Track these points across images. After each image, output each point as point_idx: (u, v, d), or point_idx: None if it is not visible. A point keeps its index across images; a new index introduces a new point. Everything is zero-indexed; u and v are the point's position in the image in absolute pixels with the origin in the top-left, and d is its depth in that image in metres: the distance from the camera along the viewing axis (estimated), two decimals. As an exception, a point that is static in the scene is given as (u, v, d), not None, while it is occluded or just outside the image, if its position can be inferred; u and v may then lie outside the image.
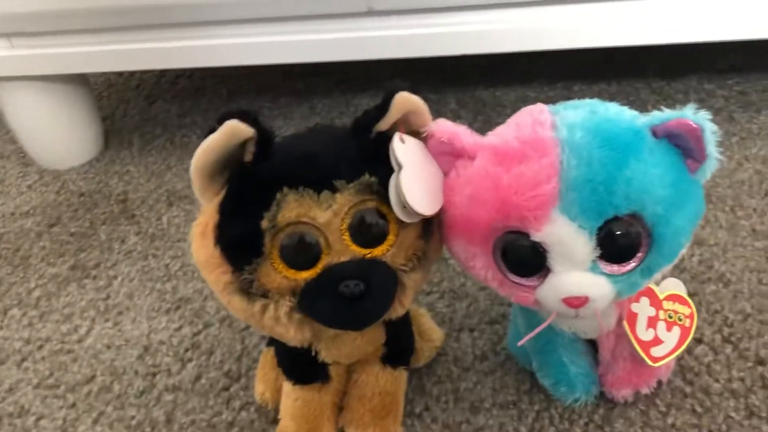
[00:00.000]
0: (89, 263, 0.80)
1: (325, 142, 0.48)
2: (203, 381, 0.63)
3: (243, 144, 0.44)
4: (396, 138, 0.47)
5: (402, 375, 0.56)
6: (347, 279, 0.44)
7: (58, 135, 0.97)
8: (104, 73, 1.26)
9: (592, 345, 0.56)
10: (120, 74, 1.25)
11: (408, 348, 0.56)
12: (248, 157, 0.45)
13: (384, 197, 0.46)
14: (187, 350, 0.66)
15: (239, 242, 0.45)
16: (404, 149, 0.47)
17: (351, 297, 0.44)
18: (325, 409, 0.54)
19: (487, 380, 0.59)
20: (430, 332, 0.61)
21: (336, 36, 0.78)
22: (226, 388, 0.62)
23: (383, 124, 0.46)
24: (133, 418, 0.60)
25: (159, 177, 0.94)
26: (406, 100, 0.46)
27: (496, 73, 1.04)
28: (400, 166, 0.46)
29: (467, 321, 0.65)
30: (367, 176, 0.45)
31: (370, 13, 0.75)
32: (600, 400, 0.55)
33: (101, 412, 0.61)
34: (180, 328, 0.69)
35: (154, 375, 0.64)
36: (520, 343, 0.50)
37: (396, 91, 0.46)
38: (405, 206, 0.45)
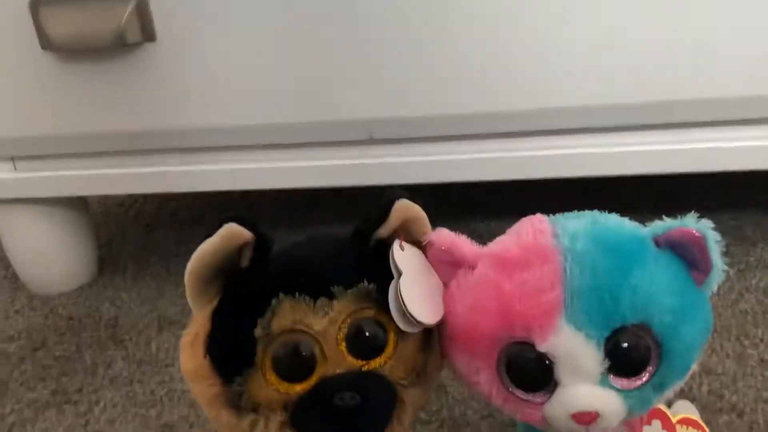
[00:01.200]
0: (71, 388, 0.76)
1: (323, 249, 0.47)
2: None
3: (240, 250, 0.44)
4: (396, 245, 0.46)
5: (399, 506, 0.52)
6: (342, 391, 0.42)
7: (53, 260, 0.96)
8: (103, 203, 1.27)
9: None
10: (120, 204, 1.27)
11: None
12: (245, 262, 0.44)
13: (383, 306, 0.44)
14: (168, 481, 0.62)
15: (230, 351, 0.43)
16: (404, 257, 0.46)
17: (346, 410, 0.42)
18: None
19: None
20: (430, 461, 0.57)
21: (336, 162, 0.79)
22: None
23: (383, 231, 0.46)
24: None
25: (151, 302, 0.92)
26: (405, 208, 0.46)
27: (490, 205, 1.06)
28: (399, 273, 0.45)
29: (469, 452, 0.61)
30: (365, 283, 0.44)
31: (371, 141, 0.77)
32: None
33: None
34: (162, 457, 0.65)
35: (129, 508, 0.59)
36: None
37: (395, 198, 0.46)
38: (405, 315, 0.44)
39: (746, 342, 0.70)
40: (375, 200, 0.48)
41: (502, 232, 0.48)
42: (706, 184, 0.95)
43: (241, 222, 0.43)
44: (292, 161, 0.81)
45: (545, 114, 0.75)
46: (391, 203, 0.45)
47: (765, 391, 0.64)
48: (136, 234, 1.15)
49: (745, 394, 0.63)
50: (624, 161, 0.78)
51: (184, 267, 0.42)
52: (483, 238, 0.99)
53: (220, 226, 0.43)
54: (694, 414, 0.50)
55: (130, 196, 1.30)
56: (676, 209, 0.46)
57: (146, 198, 1.29)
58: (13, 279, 1.03)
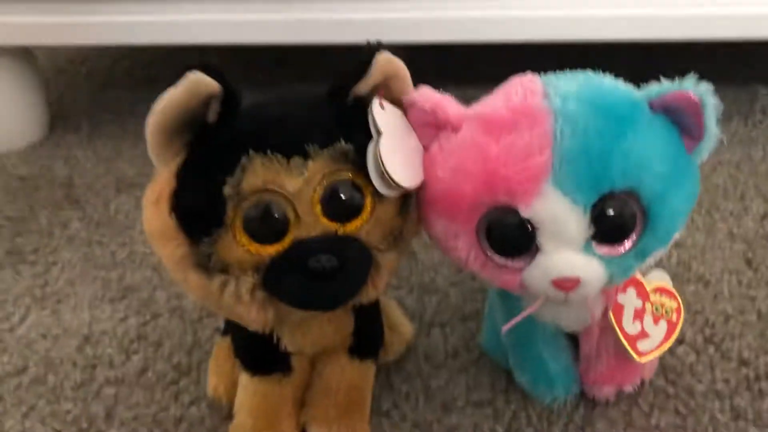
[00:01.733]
0: (26, 248, 0.73)
1: (297, 107, 0.44)
2: (149, 374, 0.57)
3: (206, 103, 0.40)
4: (375, 103, 0.43)
5: (370, 369, 0.51)
6: (318, 253, 0.40)
7: (-1, 115, 0.91)
8: (53, 58, 1.19)
9: (573, 341, 0.52)
10: (70, 61, 1.19)
11: (377, 339, 0.52)
12: (212, 116, 0.41)
13: (360, 168, 0.42)
14: (132, 342, 0.60)
15: (198, 210, 0.41)
16: (384, 116, 0.43)
17: (322, 273, 0.40)
18: (285, 403, 0.49)
19: (460, 378, 0.55)
20: (400, 325, 0.56)
21: (305, 16, 0.74)
22: (174, 382, 0.56)
23: (362, 88, 0.43)
24: (68, 412, 0.54)
25: (108, 163, 0.88)
26: (387, 63, 0.43)
27: (466, 71, 1.02)
28: (379, 133, 0.42)
29: (438, 317, 0.61)
30: (342, 143, 0.41)
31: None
32: (580, 400, 0.52)
33: (32, 405, 0.55)
34: (125, 318, 0.63)
35: (94, 367, 0.58)
36: (506, 327, 0.46)
37: (377, 51, 0.42)
38: (384, 177, 0.42)
39: (716, 215, 0.71)
40: (347, 59, 0.44)
41: (478, 99, 0.45)
42: (683, 55, 0.92)
43: (207, 71, 0.39)
44: (257, 13, 0.75)
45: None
46: (372, 56, 0.42)
47: (731, 262, 0.64)
48: (89, 92, 1.08)
49: (713, 266, 0.64)
50: (607, 26, 0.75)
51: (141, 127, 0.38)
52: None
53: (183, 74, 0.39)
54: (667, 283, 0.50)
55: (81, 52, 1.21)
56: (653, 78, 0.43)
57: (98, 55, 1.20)
58: (-43, 135, 0.97)
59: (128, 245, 0.73)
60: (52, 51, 1.21)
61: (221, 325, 0.61)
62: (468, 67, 1.03)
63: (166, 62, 1.15)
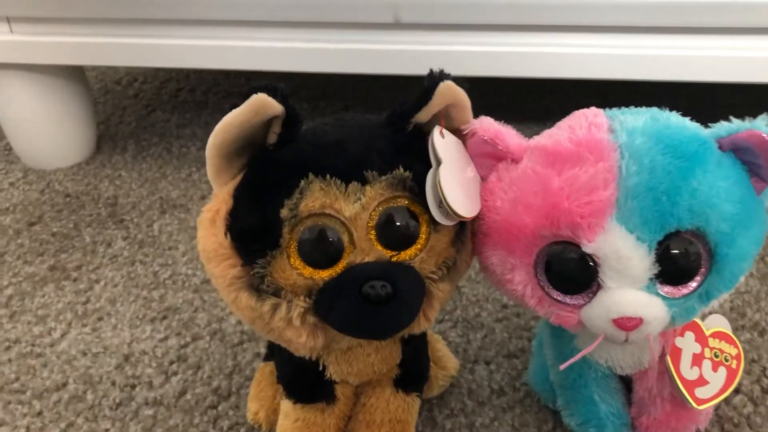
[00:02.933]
0: (70, 265, 0.74)
1: (356, 131, 0.43)
2: (188, 397, 0.56)
3: (267, 124, 0.40)
4: (436, 131, 0.43)
5: (415, 402, 0.50)
6: (373, 279, 0.39)
7: (49, 132, 0.92)
8: (102, 80, 1.21)
9: (625, 383, 0.51)
10: (118, 82, 1.21)
11: (423, 372, 0.51)
12: (272, 138, 0.41)
13: (417, 196, 0.41)
14: (172, 363, 0.60)
15: (254, 231, 0.40)
16: (444, 145, 0.43)
17: (376, 300, 0.39)
18: (327, 431, 0.48)
19: (506, 416, 0.53)
20: (445, 360, 0.55)
21: (356, 47, 0.74)
22: (213, 406, 0.55)
23: (423, 115, 0.42)
24: (106, 431, 0.54)
25: (153, 184, 0.89)
26: (450, 90, 0.42)
27: (507, 111, 1.02)
28: (439, 162, 0.41)
29: (483, 353, 0.59)
30: (400, 170, 0.40)
31: (397, 25, 0.71)
32: (631, 445, 0.50)
33: (71, 422, 0.55)
34: (165, 338, 0.63)
35: (133, 387, 0.58)
36: (563, 366, 0.45)
37: (440, 79, 0.42)
38: (442, 206, 0.41)
39: (770, 261, 0.69)
40: (392, 92, 0.44)
41: (525, 135, 0.45)
42: (750, 93, 0.91)
43: (271, 92, 0.39)
44: (309, 42, 0.76)
45: (582, 8, 0.70)
46: (436, 84, 0.41)
47: (787, 311, 0.63)
48: (136, 114, 1.10)
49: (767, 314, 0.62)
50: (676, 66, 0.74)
51: (186, 150, 0.38)
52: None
53: (248, 95, 0.39)
54: (727, 328, 0.48)
55: (129, 74, 1.24)
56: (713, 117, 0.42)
57: (146, 77, 1.23)
58: (7, 151, 0.99)
59: (170, 266, 0.73)
60: (101, 73, 1.24)
61: (262, 349, 0.60)
62: (521, 101, 1.03)
63: (212, 87, 1.17)
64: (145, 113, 1.10)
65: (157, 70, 1.23)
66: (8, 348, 0.62)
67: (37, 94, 0.88)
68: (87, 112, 0.96)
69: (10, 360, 0.61)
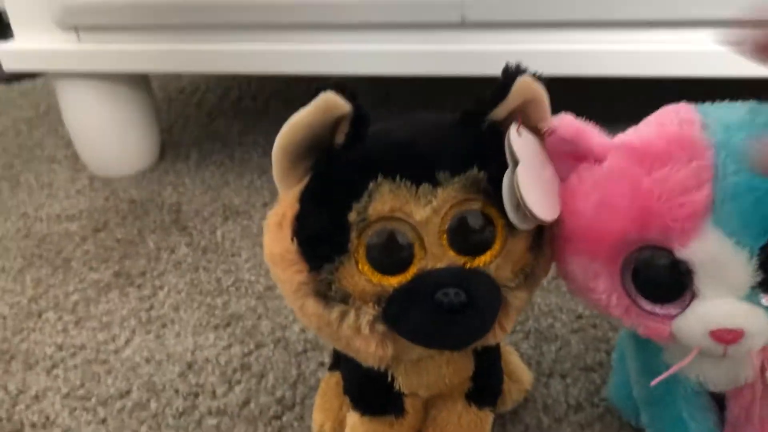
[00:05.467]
0: (134, 271, 0.74)
1: (428, 130, 0.41)
2: (252, 406, 0.55)
3: (335, 125, 0.38)
4: (513, 129, 0.40)
5: (487, 417, 0.48)
6: (447, 286, 0.37)
7: (114, 140, 0.93)
8: (165, 89, 1.23)
9: (717, 401, 0.47)
10: (181, 91, 1.22)
11: (497, 386, 0.48)
12: (340, 138, 0.39)
13: (491, 198, 0.38)
14: (235, 371, 0.59)
15: (321, 236, 0.38)
16: (521, 144, 0.40)
17: (450, 308, 0.37)
18: (396, 446, 0.46)
19: (584, 434, 0.50)
20: (519, 373, 0.52)
21: (422, 48, 0.72)
22: (277, 416, 0.54)
23: (499, 112, 0.40)
24: (169, 440, 0.53)
25: (216, 191, 0.88)
26: (528, 86, 0.39)
27: (578, 114, 0.98)
28: (516, 162, 0.39)
29: (558, 366, 0.56)
30: (475, 170, 0.38)
31: (464, 25, 0.69)
32: (724, 469, 0.47)
33: (134, 430, 0.54)
34: (229, 346, 0.62)
35: (196, 395, 0.57)
36: (654, 382, 0.42)
37: (518, 74, 0.39)
38: (519, 209, 0.38)
39: None
40: (454, 97, 0.41)
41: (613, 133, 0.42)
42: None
43: (338, 91, 0.37)
44: (372, 44, 0.74)
45: (661, 2, 0.67)
46: (513, 79, 0.39)
47: None
48: (198, 122, 1.10)
49: None
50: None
51: (248, 156, 0.37)
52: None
53: (315, 95, 0.37)
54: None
55: (192, 83, 1.25)
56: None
57: (208, 86, 1.24)
58: (74, 159, 1.01)
59: (234, 273, 0.72)
60: (165, 82, 1.26)
61: (326, 359, 0.59)
62: (593, 101, 1.00)
63: (274, 95, 1.17)
64: (207, 121, 1.10)
65: (219, 78, 1.24)
66: (74, 354, 0.63)
67: (103, 103, 0.90)
68: (151, 120, 0.97)
69: (75, 366, 0.61)
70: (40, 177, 0.98)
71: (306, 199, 0.39)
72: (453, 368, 0.45)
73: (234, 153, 0.98)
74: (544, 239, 0.41)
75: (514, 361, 0.53)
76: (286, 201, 0.40)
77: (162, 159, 0.99)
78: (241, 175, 0.92)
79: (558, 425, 0.51)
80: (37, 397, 0.58)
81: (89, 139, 0.93)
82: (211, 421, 0.54)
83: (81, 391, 0.58)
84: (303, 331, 0.62)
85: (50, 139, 1.10)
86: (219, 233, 0.79)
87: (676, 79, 0.73)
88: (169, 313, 0.67)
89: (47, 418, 0.56)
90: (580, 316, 0.61)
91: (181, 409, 0.55)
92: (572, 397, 0.53)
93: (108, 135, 0.92)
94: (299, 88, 1.17)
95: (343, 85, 0.37)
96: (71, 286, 0.72)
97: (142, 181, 0.93)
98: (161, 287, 0.71)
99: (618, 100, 1.00)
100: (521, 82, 0.39)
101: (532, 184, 0.39)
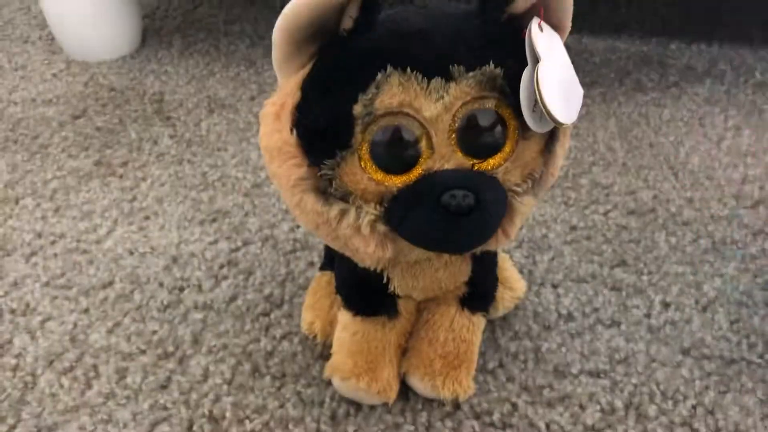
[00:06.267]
0: (115, 161, 0.71)
1: (442, 21, 0.38)
2: (239, 302, 0.54)
3: (342, 7, 0.35)
4: (534, 24, 0.37)
5: (480, 322, 0.47)
6: (453, 188, 0.35)
7: (93, 23, 0.87)
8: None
9: None
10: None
11: (491, 292, 0.47)
12: (347, 23, 0.36)
13: (507, 98, 0.36)
14: (222, 267, 0.57)
15: (323, 128, 0.36)
16: (544, 40, 0.38)
17: (457, 211, 0.35)
18: (388, 348, 0.45)
19: (574, 343, 0.50)
20: (513, 280, 0.52)
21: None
22: (265, 314, 0.53)
23: (520, 3, 0.37)
24: (154, 333, 0.52)
25: (200, 81, 0.84)
26: (552, -22, 0.37)
27: (582, 20, 0.94)
28: (538, 59, 0.36)
29: (550, 276, 0.56)
30: (491, 66, 0.35)
31: None
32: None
33: (117, 321, 0.53)
34: (215, 242, 0.60)
35: (181, 289, 0.55)
36: None
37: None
38: (536, 109, 0.36)
39: None
40: None
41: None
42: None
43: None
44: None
45: None
46: (536, -32, 0.36)
47: None
48: (182, 8, 1.04)
49: None
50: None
51: (234, 47, 0.34)
52: (572, 52, 0.89)
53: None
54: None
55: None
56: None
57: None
58: (49, 41, 0.95)
59: (220, 167, 0.69)
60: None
61: (316, 258, 0.58)
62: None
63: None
64: (191, 7, 1.04)
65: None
66: (54, 242, 0.60)
67: (82, -19, 0.84)
68: (132, 5, 0.91)
69: (55, 255, 0.59)
70: (12, 58, 0.92)
71: (308, 87, 0.36)
72: (449, 272, 0.43)
73: (219, 42, 0.93)
74: (557, 145, 0.40)
75: (508, 268, 0.52)
76: (286, 89, 0.37)
77: (143, 46, 0.94)
78: (226, 66, 0.87)
79: (548, 333, 0.51)
80: (16, 284, 0.56)
81: (66, 21, 0.87)
82: (197, 315, 0.53)
83: (62, 280, 0.57)
84: (292, 230, 0.61)
85: (23, 18, 1.04)
86: (204, 126, 0.76)
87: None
88: (153, 206, 0.65)
89: (27, 305, 0.54)
90: (573, 228, 0.60)
91: (166, 302, 0.54)
92: (563, 307, 0.53)
93: (86, 17, 0.86)
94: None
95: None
96: (49, 173, 0.69)
97: (123, 67, 0.88)
98: (144, 178, 0.68)
99: (624, 5, 0.97)
100: (545, -27, 0.36)
101: (552, 84, 0.37)
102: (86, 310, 0.54)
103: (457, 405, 0.46)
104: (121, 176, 0.69)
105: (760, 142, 0.72)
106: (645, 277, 0.55)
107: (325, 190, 0.37)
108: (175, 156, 0.71)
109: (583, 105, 0.77)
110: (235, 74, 0.85)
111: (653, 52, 0.88)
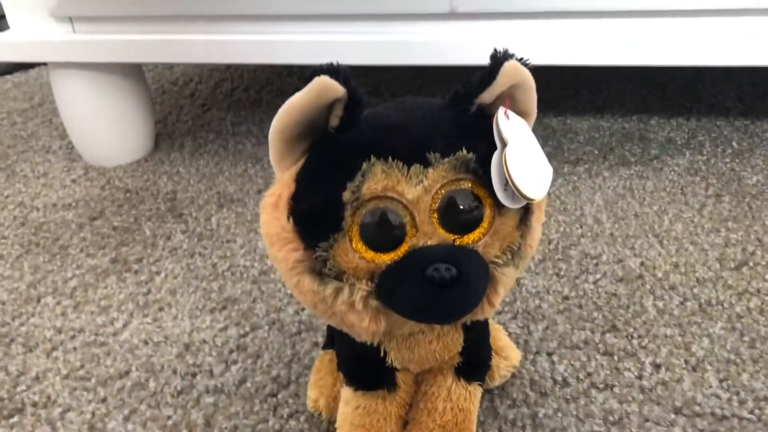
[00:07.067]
0: (131, 257, 0.75)
1: (419, 114, 0.42)
2: (248, 385, 0.56)
3: (329, 107, 0.40)
4: (501, 112, 0.42)
5: (476, 391, 0.49)
6: (436, 262, 0.39)
7: (109, 130, 0.94)
8: (159, 81, 1.24)
9: None
10: (174, 83, 1.23)
11: (485, 361, 0.50)
12: (334, 121, 0.40)
13: (480, 178, 0.40)
14: (231, 352, 0.60)
15: (316, 214, 0.40)
16: (509, 125, 0.42)
17: (441, 283, 0.38)
18: (389, 420, 0.48)
19: (569, 407, 0.52)
20: (507, 350, 0.54)
21: (412, 39, 0.73)
22: (273, 394, 0.55)
23: (487, 96, 0.41)
24: (169, 418, 0.54)
25: (210, 179, 0.90)
26: (515, 70, 0.41)
27: (565, 103, 1.00)
28: (504, 143, 0.41)
29: (544, 344, 0.58)
30: (464, 151, 0.40)
31: (453, 15, 0.71)
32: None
33: (134, 409, 0.55)
34: (225, 328, 0.63)
35: (194, 375, 0.58)
36: None
37: (505, 58, 0.41)
38: (507, 188, 0.40)
39: None
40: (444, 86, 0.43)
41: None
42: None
43: (333, 74, 0.38)
44: (362, 35, 0.76)
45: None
46: (500, 64, 0.41)
47: None
48: (192, 113, 1.12)
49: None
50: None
51: (242, 146, 0.38)
52: (557, 133, 0.94)
53: (310, 78, 0.38)
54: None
55: (185, 74, 1.26)
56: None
57: (201, 77, 1.25)
58: (69, 149, 1.02)
59: (229, 258, 0.73)
60: (158, 74, 1.27)
61: (320, 339, 0.60)
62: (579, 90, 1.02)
63: (266, 86, 1.18)
64: (201, 112, 1.11)
65: (212, 70, 1.25)
66: (73, 337, 0.64)
67: (98, 93, 0.91)
68: (145, 111, 0.98)
69: (75, 348, 0.62)
70: (35, 167, 0.99)
71: (301, 179, 0.41)
72: (443, 343, 0.46)
73: (228, 143, 0.99)
74: (532, 218, 0.43)
75: (502, 338, 0.55)
76: (282, 182, 0.42)
77: (157, 149, 1.00)
78: (235, 163, 0.93)
79: (544, 399, 0.53)
80: (37, 378, 0.59)
81: (84, 129, 0.94)
82: (209, 399, 0.55)
83: (81, 372, 0.60)
84: (297, 312, 0.64)
85: (45, 130, 1.11)
86: (214, 220, 0.81)
87: (665, 68, 0.75)
88: (166, 297, 0.68)
89: (48, 398, 0.57)
90: (566, 297, 0.63)
91: (179, 388, 0.57)
92: (558, 374, 0.55)
93: (103, 125, 0.93)
94: (291, 79, 1.18)
95: (338, 68, 0.39)
96: (69, 272, 0.74)
97: (138, 170, 0.94)
98: (158, 272, 0.72)
99: (605, 88, 1.02)
100: (508, 67, 0.41)
101: (520, 165, 0.41)
102: (104, 400, 0.56)
103: (458, 473, 0.48)
104: (136, 271, 0.73)
105: (740, 207, 0.75)
106: (635, 341, 0.58)
107: (321, 271, 0.40)
108: (187, 250, 0.75)
109: (570, 181, 0.82)
110: (242, 171, 0.91)
111: (635, 127, 0.93)
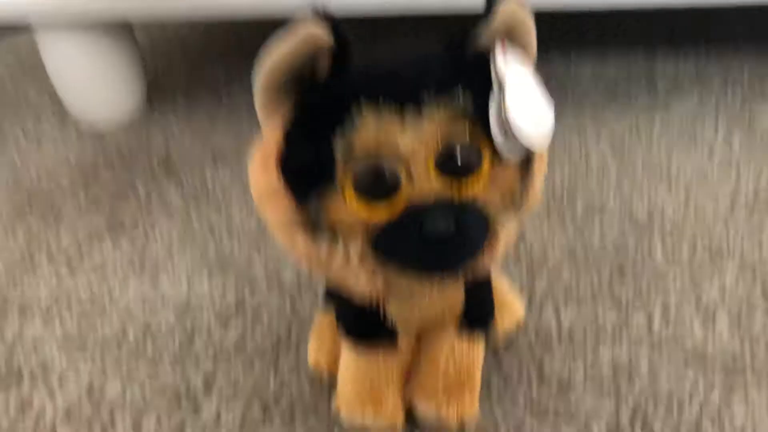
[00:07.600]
0: (126, 219, 0.73)
1: (411, 59, 0.40)
2: (247, 346, 0.55)
3: (313, 59, 0.37)
4: (498, 52, 0.39)
5: (479, 344, 0.48)
6: (434, 217, 0.37)
7: (100, 91, 0.91)
8: (149, 35, 1.20)
9: None
10: (167, 40, 1.20)
11: (488, 312, 0.48)
12: (322, 71, 0.38)
13: (479, 125, 0.38)
14: (230, 312, 0.59)
15: (307, 170, 0.38)
16: (509, 66, 0.39)
17: (439, 238, 0.37)
18: (390, 377, 0.46)
19: (576, 362, 0.51)
20: (511, 303, 0.53)
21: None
22: (273, 354, 0.54)
23: (483, 38, 0.39)
24: (168, 381, 0.53)
25: (204, 137, 0.87)
26: (512, 11, 0.38)
27: (569, 45, 0.96)
28: (503, 83, 0.38)
29: (550, 296, 0.56)
30: (460, 97, 0.37)
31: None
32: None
33: (132, 373, 0.54)
34: (223, 288, 0.62)
35: (192, 336, 0.57)
36: None
37: (500, -1, 0.38)
38: (508, 135, 0.38)
39: None
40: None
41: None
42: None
43: (319, 18, 0.36)
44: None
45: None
46: (496, 2, 0.38)
47: None
48: (184, 69, 1.08)
49: None
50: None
51: (235, 102, 0.36)
52: (560, 77, 0.91)
53: (294, 26, 0.36)
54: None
55: (176, 32, 1.23)
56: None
57: (193, 33, 1.21)
58: (61, 112, 0.99)
59: (225, 218, 0.72)
60: (149, 31, 1.23)
61: (320, 298, 0.59)
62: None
63: (259, 39, 1.15)
64: (193, 69, 1.08)
65: (207, 26, 1.22)
66: (69, 301, 0.63)
67: (86, 53, 0.88)
68: (136, 69, 0.95)
69: (71, 313, 0.61)
70: (27, 130, 0.96)
71: (290, 133, 0.38)
72: (444, 299, 0.45)
73: (221, 99, 0.96)
74: (535, 167, 0.41)
75: (506, 291, 0.53)
76: (270, 138, 0.39)
77: (149, 107, 0.97)
78: (229, 120, 0.90)
79: (551, 353, 0.51)
80: (33, 344, 0.58)
81: (74, 90, 0.92)
82: (208, 361, 0.54)
83: (78, 337, 0.59)
84: (296, 272, 0.63)
85: (36, 93, 1.08)
86: (209, 179, 0.79)
87: (668, 11, 0.72)
88: (163, 259, 0.67)
89: (45, 363, 0.56)
90: (572, 247, 0.61)
91: (178, 350, 0.56)
92: (564, 326, 0.53)
93: (93, 86, 0.90)
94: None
95: (324, 14, 0.36)
96: (64, 235, 0.72)
97: (130, 130, 0.92)
98: (154, 234, 0.71)
99: (611, 31, 0.99)
100: (506, 7, 0.38)
101: (520, 109, 0.38)
102: (102, 364, 0.55)
103: (462, 429, 0.47)
104: (131, 234, 0.71)
105: (751, 148, 0.73)
106: (644, 291, 0.56)
107: (315, 228, 0.39)
108: (183, 210, 0.74)
109: (574, 125, 0.79)
110: (237, 127, 0.89)
111: (641, 70, 0.90)
